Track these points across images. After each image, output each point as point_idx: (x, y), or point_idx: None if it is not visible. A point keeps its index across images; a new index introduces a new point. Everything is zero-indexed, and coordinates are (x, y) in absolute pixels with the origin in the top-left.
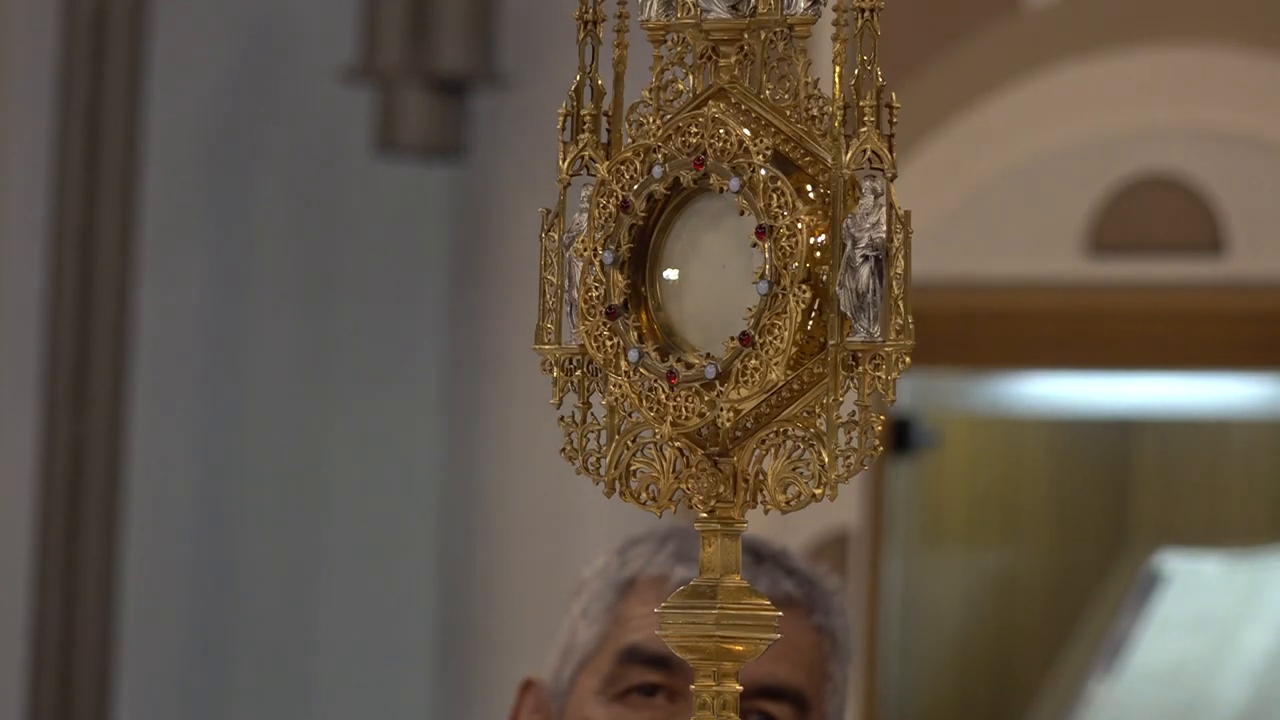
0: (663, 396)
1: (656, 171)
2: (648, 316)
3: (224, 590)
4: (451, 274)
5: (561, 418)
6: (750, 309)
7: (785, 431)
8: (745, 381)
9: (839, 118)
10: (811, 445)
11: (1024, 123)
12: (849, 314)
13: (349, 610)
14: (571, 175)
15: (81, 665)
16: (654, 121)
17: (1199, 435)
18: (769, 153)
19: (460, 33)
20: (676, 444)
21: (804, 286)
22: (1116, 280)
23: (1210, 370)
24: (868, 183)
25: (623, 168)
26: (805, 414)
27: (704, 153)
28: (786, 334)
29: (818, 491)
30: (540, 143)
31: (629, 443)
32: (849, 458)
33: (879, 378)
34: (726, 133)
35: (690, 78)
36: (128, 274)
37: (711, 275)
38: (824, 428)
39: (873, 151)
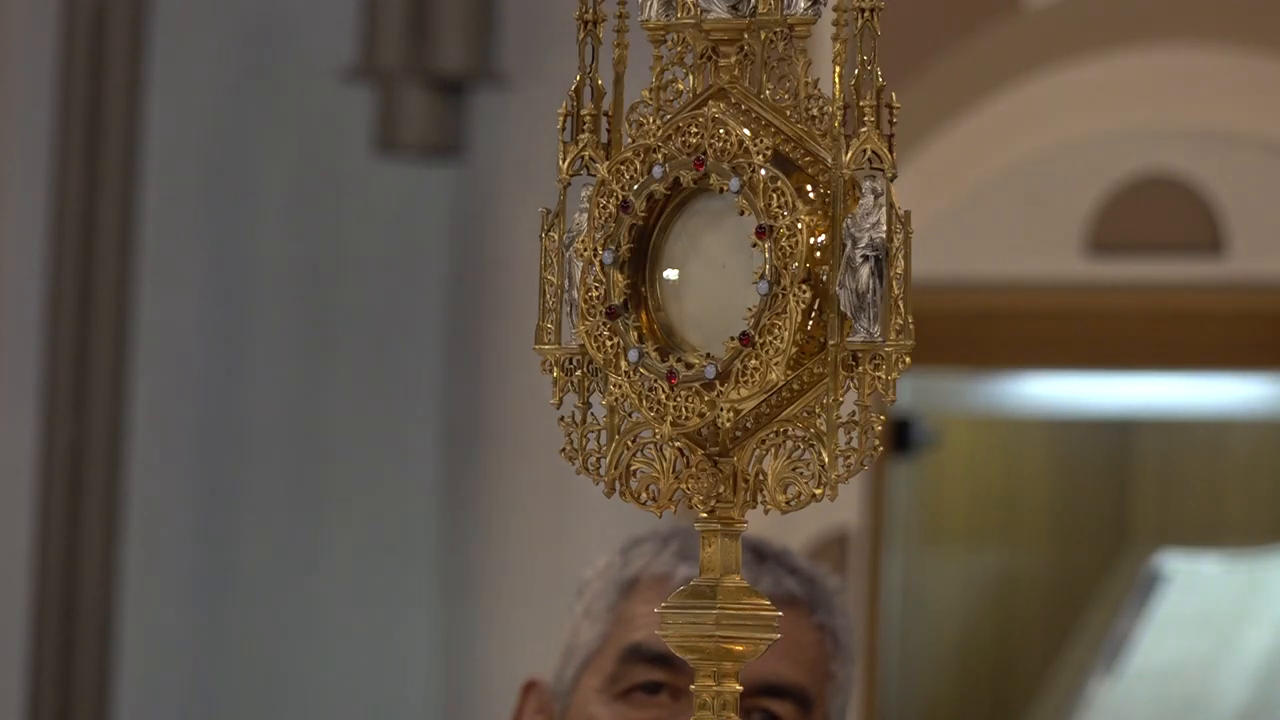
0: (663, 396)
1: (656, 171)
2: (648, 316)
3: (224, 592)
4: (451, 274)
5: (561, 418)
6: (750, 309)
7: (785, 431)
8: (745, 381)
9: (839, 118)
10: (811, 445)
11: (1024, 123)
12: (849, 314)
13: (349, 609)
14: (571, 175)
15: (81, 665)
16: (654, 121)
17: (1199, 435)
18: (769, 153)
19: (460, 33)
20: (676, 444)
21: (804, 286)
22: (1116, 280)
23: (1210, 370)
24: (868, 183)
25: (623, 168)
26: (805, 414)
27: (704, 153)
28: (786, 334)
29: (818, 491)
30: (540, 143)
31: (629, 443)
32: (849, 458)
33: (879, 378)
34: (726, 133)
35: (690, 78)
36: (128, 274)
37: (711, 275)
38: (824, 428)
39: (873, 151)
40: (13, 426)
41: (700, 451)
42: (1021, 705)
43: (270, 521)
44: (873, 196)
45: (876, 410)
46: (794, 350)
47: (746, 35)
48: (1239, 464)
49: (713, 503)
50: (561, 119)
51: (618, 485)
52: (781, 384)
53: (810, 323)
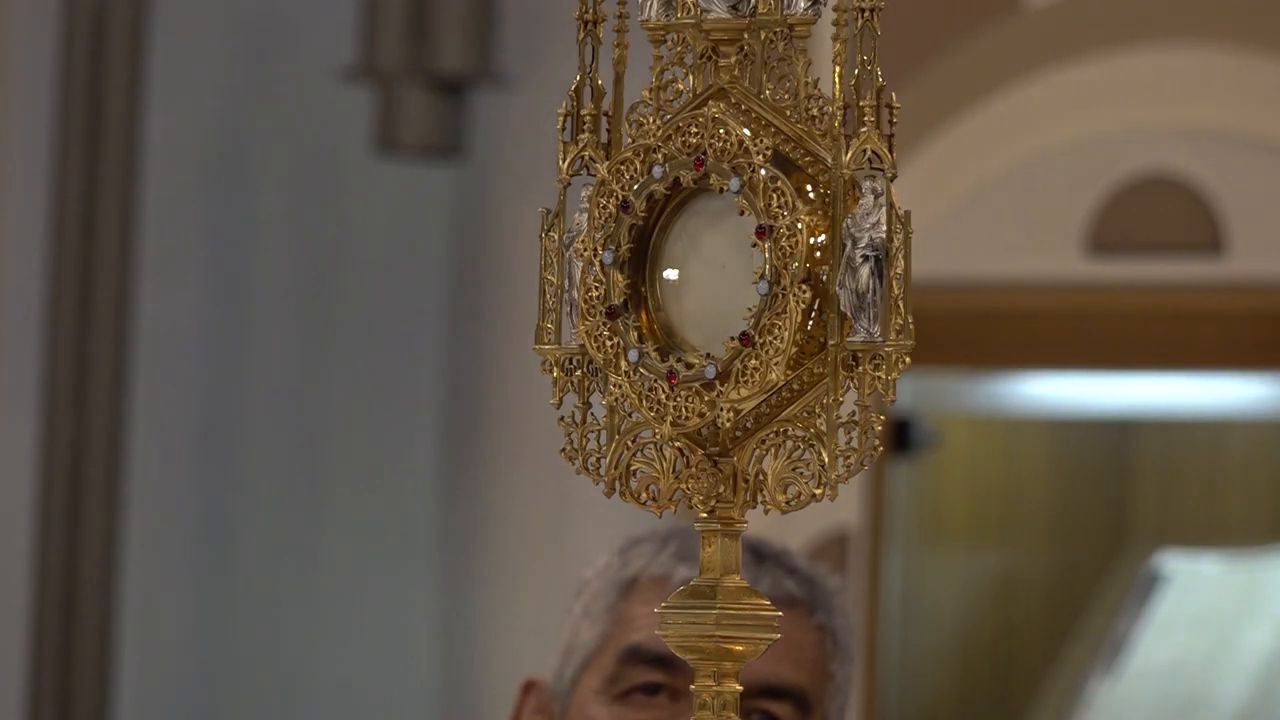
0: (663, 396)
1: (656, 171)
2: (648, 316)
3: (224, 590)
4: (451, 274)
5: (561, 418)
6: (750, 309)
7: (785, 431)
8: (745, 381)
9: (839, 118)
10: (811, 445)
11: (1024, 122)
12: (849, 314)
13: (349, 607)
14: (571, 175)
15: (81, 665)
16: (654, 121)
17: (1199, 435)
18: (769, 153)
19: (460, 33)
20: (676, 444)
21: (804, 286)
22: (1116, 280)
23: (1210, 370)
24: (868, 183)
25: (623, 168)
26: (805, 414)
27: (704, 153)
28: (786, 334)
29: (818, 491)
30: (540, 143)
31: (629, 443)
32: (849, 458)
33: (879, 378)
34: (726, 133)
35: (690, 78)
36: (128, 274)
37: (711, 275)
38: (824, 428)
39: (873, 151)
40: (13, 426)
41: (700, 451)
42: (1021, 705)
43: (270, 521)
44: (873, 196)
45: (876, 410)
46: (794, 350)
47: (746, 35)
48: (1239, 464)
49: (713, 503)
50: (561, 119)
51: (618, 485)
52: (781, 384)
53: (810, 323)
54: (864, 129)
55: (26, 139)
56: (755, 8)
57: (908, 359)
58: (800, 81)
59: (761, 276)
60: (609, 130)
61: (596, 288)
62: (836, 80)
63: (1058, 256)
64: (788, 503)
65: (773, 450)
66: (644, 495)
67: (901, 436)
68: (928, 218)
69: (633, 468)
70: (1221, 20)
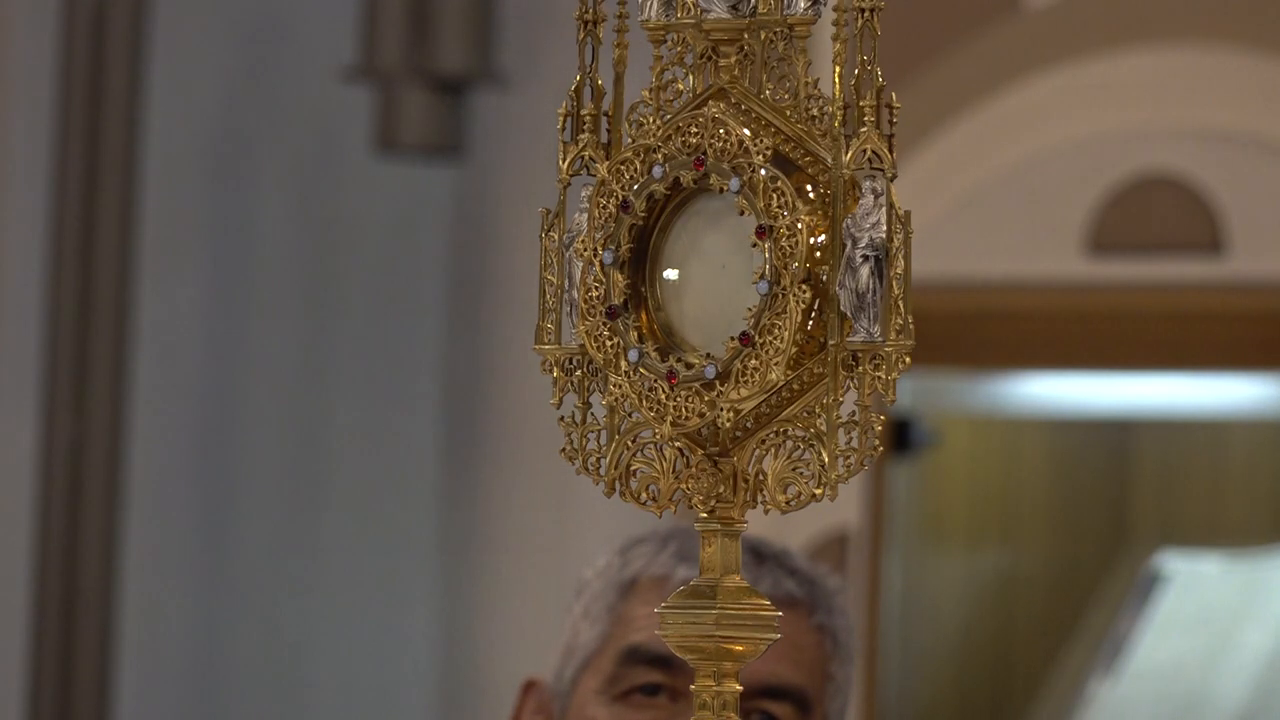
0: (663, 396)
1: (656, 171)
2: (648, 316)
3: (224, 590)
4: (451, 274)
5: (561, 418)
6: (750, 309)
7: (785, 431)
8: (745, 381)
9: (839, 118)
10: (811, 445)
11: (1024, 122)
12: (849, 314)
13: (349, 606)
14: (571, 175)
15: (81, 666)
16: (654, 121)
17: (1199, 435)
18: (769, 153)
19: (460, 33)
20: (676, 444)
21: (804, 286)
22: (1116, 280)
23: (1210, 370)
24: (868, 183)
25: (623, 168)
26: (805, 414)
27: (704, 153)
28: (786, 334)
29: (818, 491)
30: (540, 143)
31: (629, 443)
32: (849, 458)
33: (879, 378)
34: (726, 133)
35: (690, 78)
36: (128, 274)
37: (711, 275)
38: (824, 428)
39: (873, 151)
40: (13, 426)
41: (700, 451)
42: (1021, 705)
43: (270, 520)
44: (873, 196)
45: (876, 410)
46: (794, 350)
47: (746, 35)
48: (1239, 464)
49: (713, 503)
50: (561, 119)
51: (618, 485)
52: (781, 384)
53: (810, 323)
54: (864, 129)
55: (26, 139)
56: (755, 8)
57: (908, 359)
58: (800, 81)
59: (761, 276)
60: (609, 130)
61: (596, 288)
62: (836, 80)
63: (1058, 256)
64: (788, 503)
65: (773, 450)
66: (644, 495)
67: (901, 436)
68: (928, 218)
69: (633, 468)
70: (1221, 20)
